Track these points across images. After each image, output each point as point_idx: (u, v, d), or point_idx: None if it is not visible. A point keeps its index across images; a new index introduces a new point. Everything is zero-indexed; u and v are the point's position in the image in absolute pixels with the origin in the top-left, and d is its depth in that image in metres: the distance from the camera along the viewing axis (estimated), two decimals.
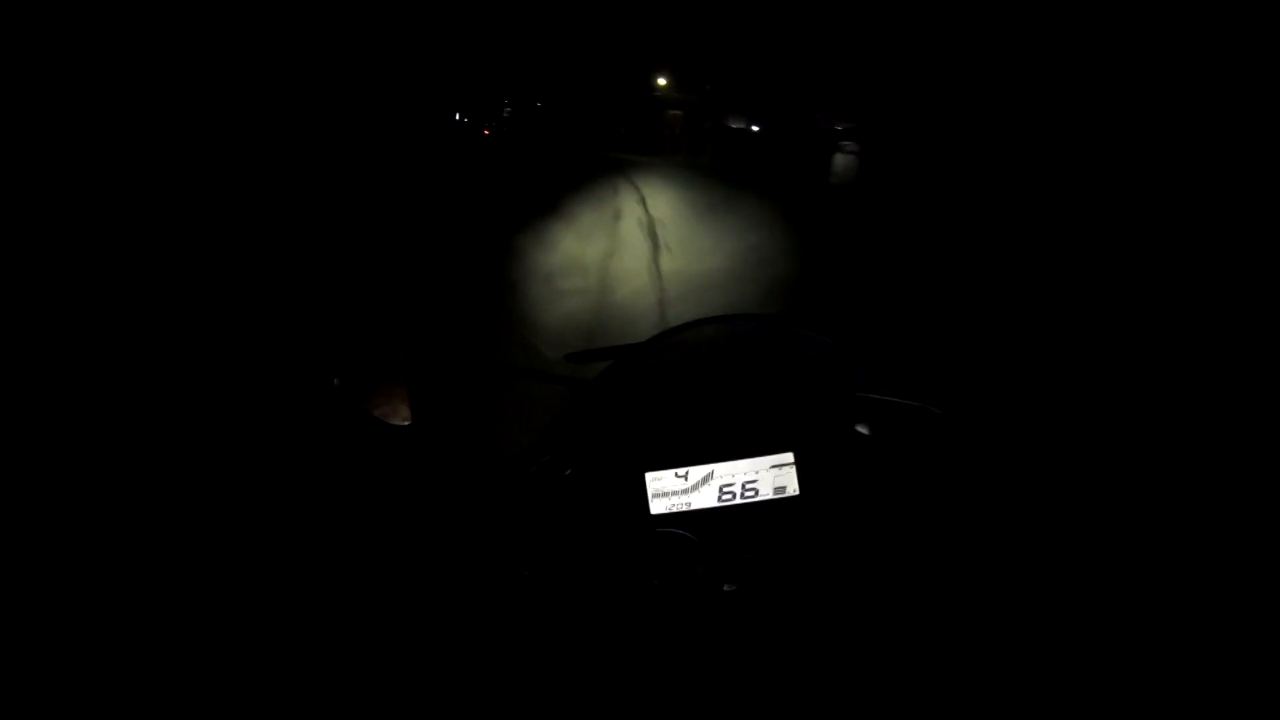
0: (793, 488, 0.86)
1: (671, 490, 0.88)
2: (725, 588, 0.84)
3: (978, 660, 0.79)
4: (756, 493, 0.87)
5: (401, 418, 0.87)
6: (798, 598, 0.84)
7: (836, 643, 0.83)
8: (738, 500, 0.87)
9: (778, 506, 0.86)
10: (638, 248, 7.10)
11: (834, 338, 0.93)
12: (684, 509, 0.87)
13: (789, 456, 0.86)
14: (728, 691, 0.81)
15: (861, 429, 0.86)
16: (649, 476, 0.88)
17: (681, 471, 0.87)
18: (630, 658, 0.85)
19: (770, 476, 0.86)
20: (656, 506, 0.87)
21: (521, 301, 4.97)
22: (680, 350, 0.97)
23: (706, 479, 0.87)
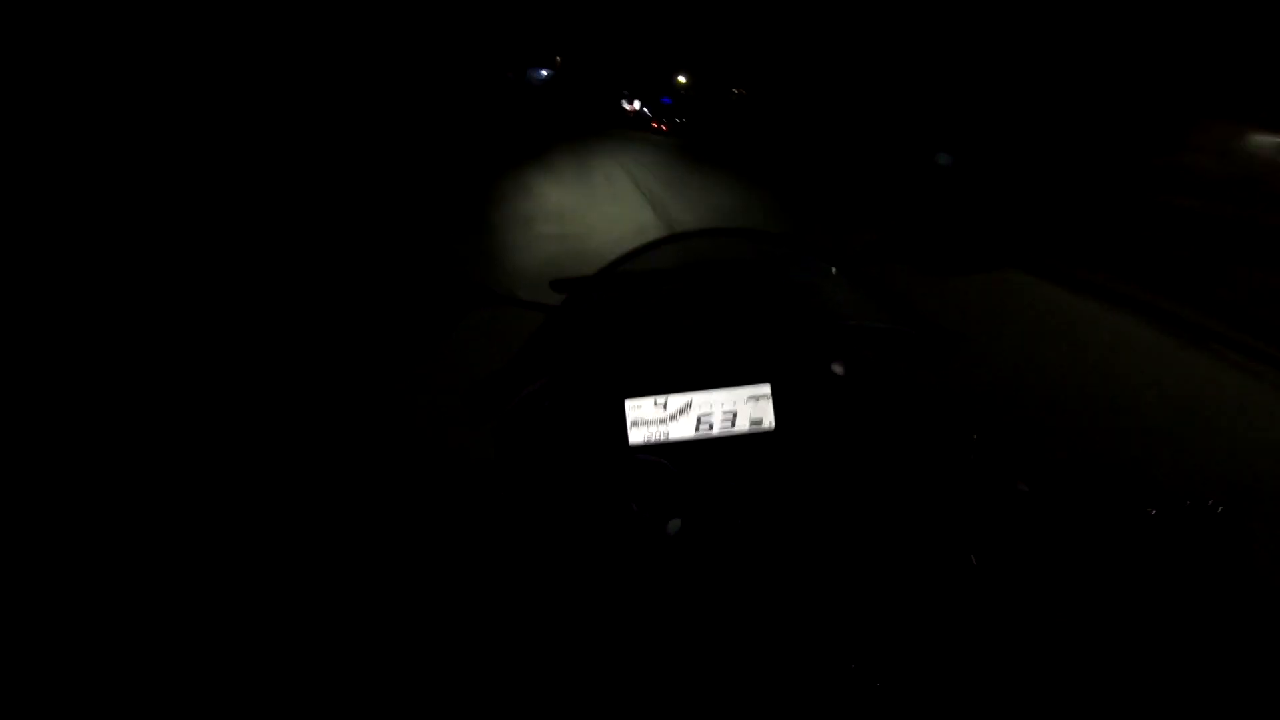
0: (769, 421, 0.87)
1: (650, 419, 0.88)
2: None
3: (948, 605, 0.80)
4: (733, 424, 0.87)
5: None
6: (771, 533, 0.85)
7: (809, 587, 0.84)
8: (715, 432, 0.87)
9: (753, 440, 0.87)
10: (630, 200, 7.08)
11: (815, 255, 0.91)
12: (662, 439, 0.88)
13: (765, 389, 0.87)
14: (701, 635, 0.83)
15: (837, 368, 0.87)
16: (628, 404, 0.88)
17: (660, 399, 0.88)
18: (610, 597, 0.85)
19: (748, 408, 0.87)
20: (635, 436, 0.88)
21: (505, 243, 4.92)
22: (663, 270, 0.95)
23: (685, 409, 0.88)
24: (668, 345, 0.90)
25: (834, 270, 0.90)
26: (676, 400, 0.88)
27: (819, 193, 8.71)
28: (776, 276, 0.94)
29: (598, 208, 6.47)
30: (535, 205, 6.50)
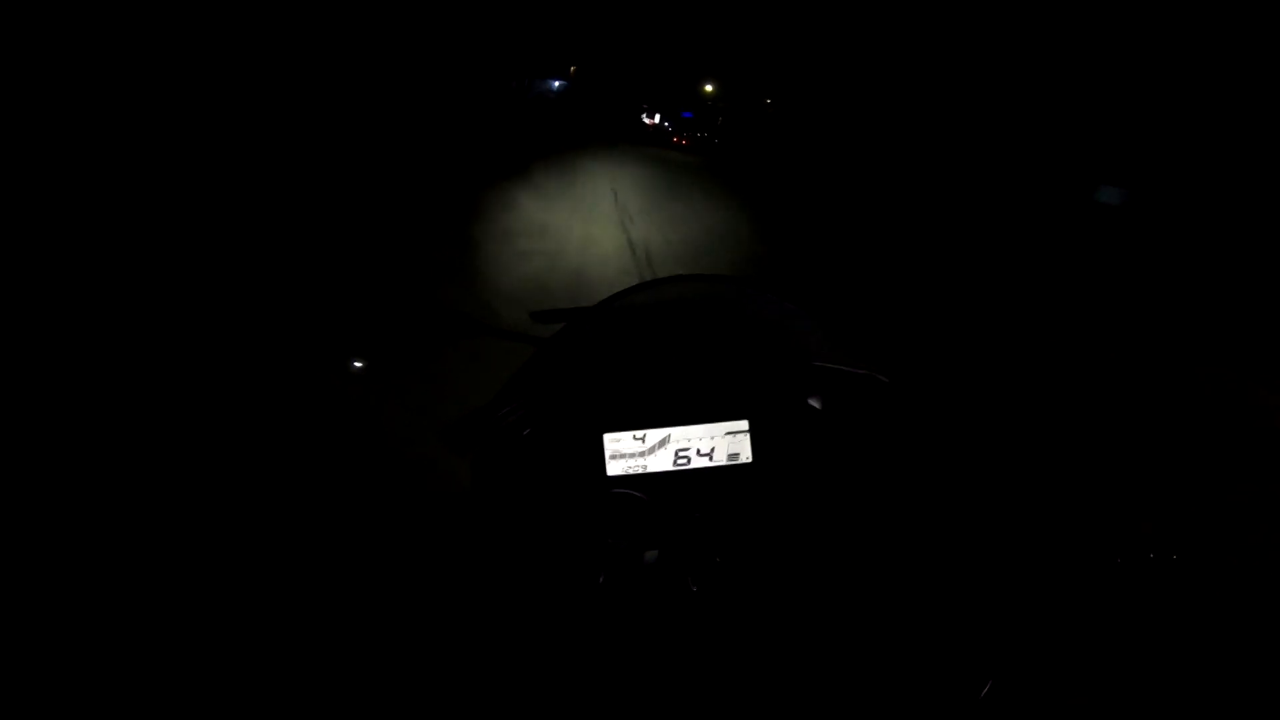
0: (746, 455, 0.88)
1: (628, 452, 0.89)
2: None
3: (926, 628, 0.82)
4: (710, 458, 0.88)
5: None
6: (749, 564, 0.86)
7: (787, 611, 0.85)
8: (692, 465, 0.88)
9: (731, 473, 0.88)
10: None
11: (793, 301, 0.94)
12: (640, 471, 0.88)
13: (744, 424, 0.88)
14: (677, 659, 0.83)
15: (814, 403, 0.88)
16: (607, 437, 0.88)
17: (639, 434, 0.88)
18: (586, 622, 0.85)
19: (725, 443, 0.88)
20: (613, 468, 0.89)
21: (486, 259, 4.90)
22: (642, 310, 0.97)
23: (663, 442, 0.88)
24: (648, 380, 0.91)
25: (811, 318, 0.93)
26: (655, 434, 0.89)
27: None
28: (754, 316, 0.96)
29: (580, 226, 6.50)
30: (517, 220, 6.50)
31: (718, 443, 0.89)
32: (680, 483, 0.89)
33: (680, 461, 0.89)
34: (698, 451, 0.89)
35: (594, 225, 6.73)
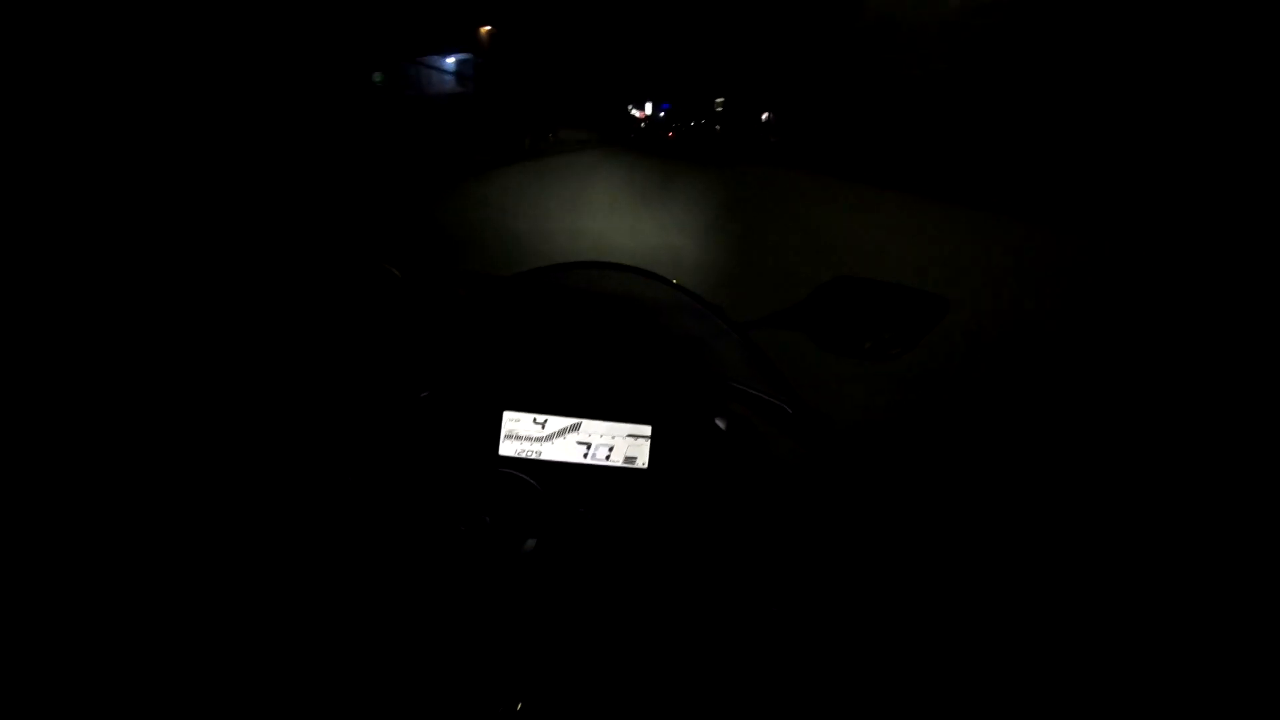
0: (643, 460, 0.86)
1: (526, 435, 0.86)
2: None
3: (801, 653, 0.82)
4: (608, 458, 0.86)
5: None
6: (623, 568, 0.84)
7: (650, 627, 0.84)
8: (588, 461, 0.86)
9: (625, 475, 0.86)
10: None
11: (722, 316, 0.92)
12: (533, 456, 0.86)
13: (646, 429, 0.86)
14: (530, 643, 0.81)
15: (719, 422, 0.87)
16: (506, 416, 0.85)
17: (540, 418, 0.86)
18: (447, 599, 0.82)
19: (624, 444, 0.86)
20: (506, 448, 0.86)
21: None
22: (570, 291, 0.93)
23: (563, 432, 0.86)
24: (561, 366, 0.89)
25: (735, 335, 0.91)
26: (557, 422, 0.86)
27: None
28: (680, 324, 0.94)
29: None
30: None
31: (617, 443, 0.87)
32: (572, 476, 0.87)
33: (577, 454, 0.87)
34: (596, 447, 0.87)
35: None
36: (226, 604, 0.84)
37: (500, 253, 5.47)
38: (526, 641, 0.78)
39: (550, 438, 0.86)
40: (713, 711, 0.76)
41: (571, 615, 0.80)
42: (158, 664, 0.95)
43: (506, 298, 0.93)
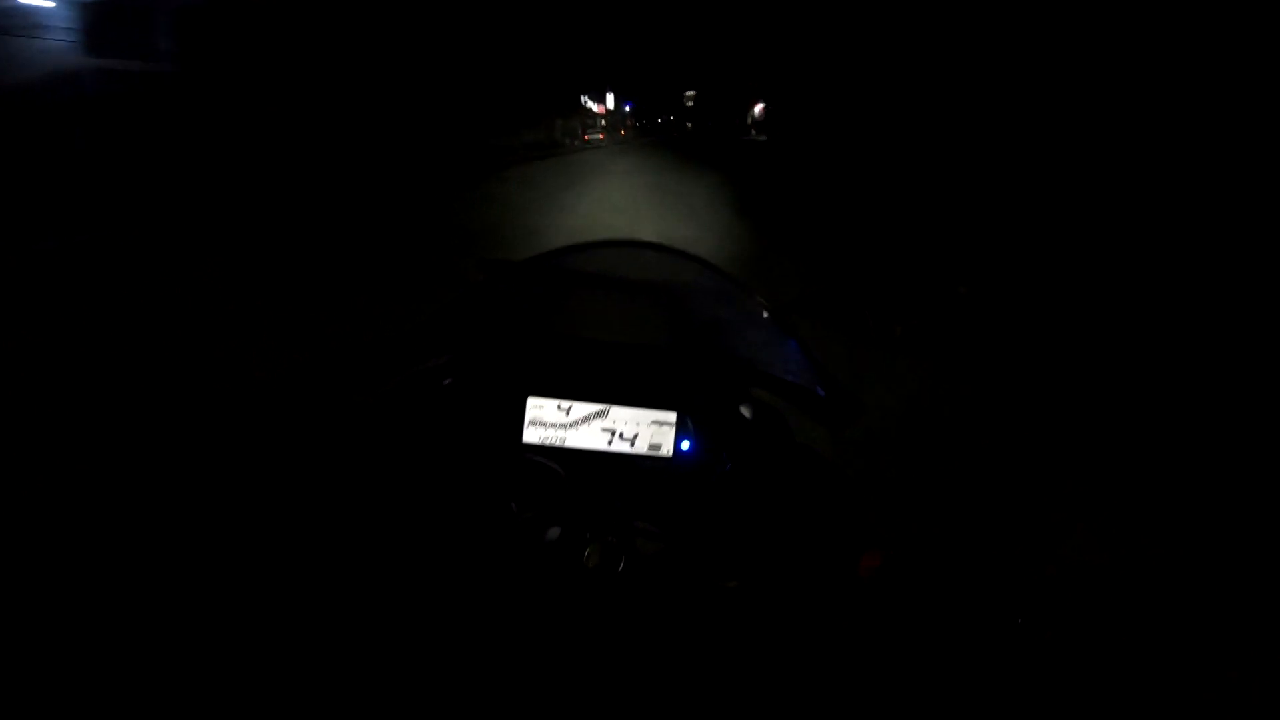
0: (667, 448, 0.85)
1: (550, 421, 0.84)
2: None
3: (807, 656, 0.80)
4: (632, 445, 0.85)
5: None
6: (645, 559, 0.83)
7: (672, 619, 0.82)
8: (613, 448, 0.85)
9: (648, 463, 0.85)
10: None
11: (754, 296, 0.89)
12: (557, 443, 0.84)
13: (671, 416, 0.85)
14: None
15: (745, 410, 0.85)
16: (530, 401, 0.84)
17: (565, 404, 0.84)
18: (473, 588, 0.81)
19: (649, 432, 0.85)
20: (530, 435, 0.84)
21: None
22: (597, 273, 0.91)
23: (588, 418, 0.84)
24: (585, 352, 0.87)
25: (766, 315, 0.89)
26: (581, 408, 0.84)
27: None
28: (708, 305, 0.92)
29: None
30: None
31: (642, 430, 0.85)
32: (596, 464, 0.85)
33: (601, 442, 0.85)
34: (621, 435, 0.85)
35: None
36: (250, 593, 0.82)
37: None
38: (551, 631, 0.76)
39: (575, 424, 0.84)
40: (742, 704, 0.74)
41: (597, 607, 0.79)
42: (175, 657, 0.93)
43: (528, 280, 0.92)
